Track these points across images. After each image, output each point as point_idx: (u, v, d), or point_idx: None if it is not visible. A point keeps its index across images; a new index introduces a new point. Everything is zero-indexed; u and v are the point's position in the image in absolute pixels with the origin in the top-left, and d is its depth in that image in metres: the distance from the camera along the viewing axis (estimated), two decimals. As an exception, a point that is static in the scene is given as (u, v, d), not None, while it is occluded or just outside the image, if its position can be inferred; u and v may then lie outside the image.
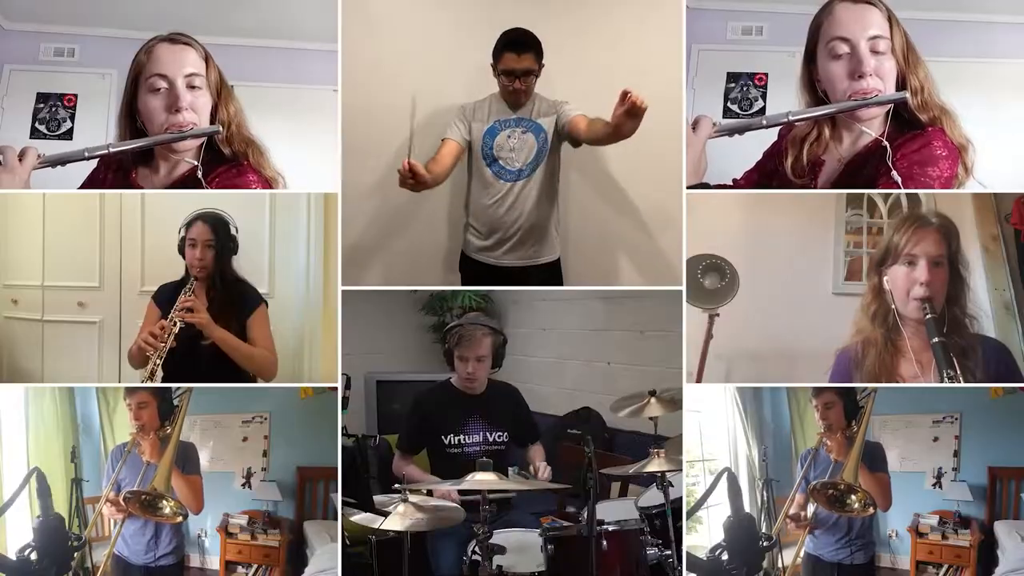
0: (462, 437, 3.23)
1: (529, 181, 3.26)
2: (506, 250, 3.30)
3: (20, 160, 2.62)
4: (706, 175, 2.59)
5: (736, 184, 2.83)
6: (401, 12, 3.58)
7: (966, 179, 2.56)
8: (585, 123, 3.15)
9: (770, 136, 2.73)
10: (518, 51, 3.20)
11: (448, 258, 3.61)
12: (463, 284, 3.48)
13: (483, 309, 4.75)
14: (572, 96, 3.33)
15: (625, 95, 2.72)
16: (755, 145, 2.79)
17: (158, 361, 2.85)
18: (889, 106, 2.50)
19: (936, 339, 2.45)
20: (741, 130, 2.56)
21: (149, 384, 2.86)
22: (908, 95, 2.47)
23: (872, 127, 2.54)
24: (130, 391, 3.00)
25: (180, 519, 2.92)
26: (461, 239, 3.43)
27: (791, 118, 2.52)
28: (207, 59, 2.81)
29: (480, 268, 3.35)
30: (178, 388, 2.97)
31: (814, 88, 2.60)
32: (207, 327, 2.88)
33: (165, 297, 2.99)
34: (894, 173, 2.43)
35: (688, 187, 2.56)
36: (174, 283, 3.00)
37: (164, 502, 2.84)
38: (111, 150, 2.72)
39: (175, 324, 2.87)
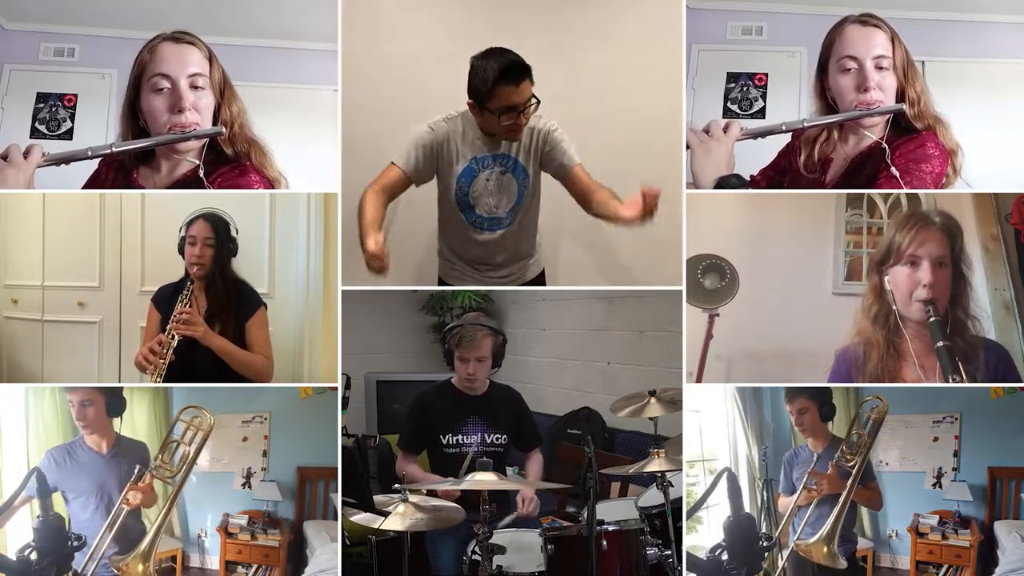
0: (460, 437, 3.22)
1: (511, 227, 3.08)
2: (487, 276, 3.18)
3: (25, 157, 2.62)
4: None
5: (754, 180, 3.03)
6: (401, 12, 3.58)
7: (955, 179, 2.81)
8: (586, 189, 2.93)
9: (783, 138, 2.98)
10: (516, 80, 2.74)
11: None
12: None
13: (483, 309, 4.75)
14: (572, 97, 3.31)
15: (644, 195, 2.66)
16: (765, 146, 2.98)
17: (158, 379, 2.84)
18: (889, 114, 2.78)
19: (941, 343, 2.43)
20: (764, 134, 2.83)
21: (96, 384, 2.87)
22: (906, 107, 2.75)
23: (874, 132, 2.81)
24: (71, 389, 2.97)
25: None
26: (436, 264, 3.28)
27: (806, 125, 2.83)
28: (211, 58, 2.79)
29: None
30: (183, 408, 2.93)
31: (824, 95, 2.87)
32: (204, 338, 2.87)
33: (165, 299, 2.98)
34: (893, 168, 2.71)
35: (719, 176, 2.71)
36: (173, 284, 2.99)
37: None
38: (114, 150, 2.70)
39: (173, 337, 2.85)
